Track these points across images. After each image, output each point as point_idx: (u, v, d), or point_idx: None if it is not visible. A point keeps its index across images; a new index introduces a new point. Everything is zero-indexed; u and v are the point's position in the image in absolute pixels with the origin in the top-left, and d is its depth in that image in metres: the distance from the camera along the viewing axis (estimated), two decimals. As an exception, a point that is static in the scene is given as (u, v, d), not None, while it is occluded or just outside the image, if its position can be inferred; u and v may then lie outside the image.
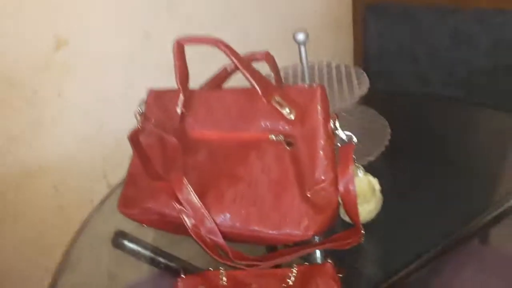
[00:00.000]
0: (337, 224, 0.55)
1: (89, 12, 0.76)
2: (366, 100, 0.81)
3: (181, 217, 0.54)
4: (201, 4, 0.89)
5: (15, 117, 0.74)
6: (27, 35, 0.72)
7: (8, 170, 0.77)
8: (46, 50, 0.74)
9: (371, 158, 0.67)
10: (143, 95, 0.66)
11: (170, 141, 0.58)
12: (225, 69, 0.68)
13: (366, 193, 0.55)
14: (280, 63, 0.69)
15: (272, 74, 0.68)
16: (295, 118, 0.54)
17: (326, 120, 0.53)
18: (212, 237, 0.53)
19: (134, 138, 0.61)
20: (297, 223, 0.51)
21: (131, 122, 0.63)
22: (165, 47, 0.76)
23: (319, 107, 0.53)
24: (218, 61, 0.66)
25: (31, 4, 0.71)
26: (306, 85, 0.56)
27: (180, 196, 0.53)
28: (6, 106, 0.73)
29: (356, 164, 0.54)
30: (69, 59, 0.76)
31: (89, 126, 0.82)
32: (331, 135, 0.53)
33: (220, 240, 0.52)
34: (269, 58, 0.65)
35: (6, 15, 0.69)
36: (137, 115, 0.63)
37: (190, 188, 0.53)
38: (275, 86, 0.57)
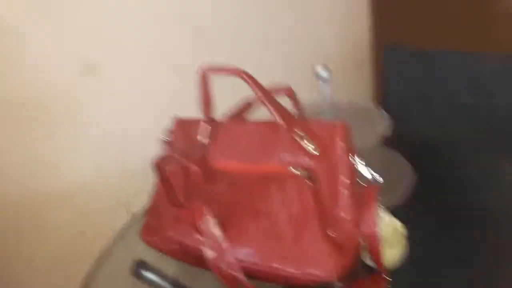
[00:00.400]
0: (360, 269, 0.53)
1: (118, 39, 0.79)
2: (388, 143, 0.81)
3: (201, 248, 0.54)
4: (226, 38, 0.92)
5: (42, 141, 0.76)
6: (57, 57, 0.74)
7: (33, 194, 0.78)
8: (73, 74, 0.76)
9: (395, 201, 0.65)
10: (167, 122, 0.67)
11: (193, 170, 0.59)
12: (248, 100, 0.69)
13: (391, 237, 0.54)
14: (300, 95, 0.70)
15: (294, 110, 0.69)
16: (317, 153, 0.54)
17: (348, 156, 0.53)
18: (232, 272, 0.52)
19: (159, 165, 0.62)
20: (318, 262, 0.49)
21: (154, 149, 0.64)
22: (190, 76, 0.79)
23: (341, 143, 0.53)
24: (243, 93, 0.68)
25: (69, 28, 0.74)
26: (328, 121, 0.57)
27: (200, 226, 0.53)
28: (35, 130, 0.75)
29: (380, 206, 0.53)
30: (99, 85, 0.78)
31: (114, 152, 0.84)
32: (353, 172, 0.53)
33: (240, 275, 0.51)
34: (291, 93, 0.66)
35: (44, 38, 0.72)
36: (162, 143, 0.64)
37: (210, 218, 0.53)
38: (297, 120, 0.58)
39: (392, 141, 0.78)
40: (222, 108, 0.67)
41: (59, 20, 0.73)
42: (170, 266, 0.64)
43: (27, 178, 0.77)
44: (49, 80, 0.75)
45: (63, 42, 0.74)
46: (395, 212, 0.57)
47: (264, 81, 0.60)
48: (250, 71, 0.57)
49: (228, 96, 0.67)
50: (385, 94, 1.08)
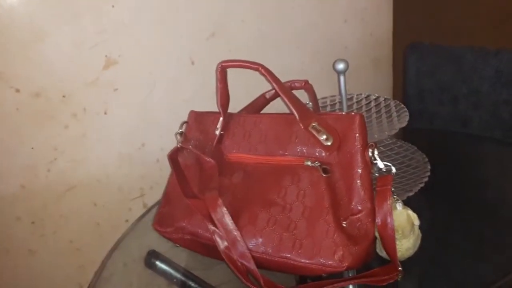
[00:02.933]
0: (373, 260, 0.53)
1: (139, 36, 0.81)
2: (406, 137, 0.81)
3: (214, 238, 0.54)
4: (244, 34, 0.92)
5: (62, 131, 0.78)
6: (82, 53, 0.77)
7: (51, 183, 0.80)
8: (97, 69, 0.78)
9: (410, 193, 0.65)
10: (185, 117, 0.68)
11: (207, 162, 0.59)
12: (263, 96, 0.70)
13: (405, 228, 0.53)
14: (318, 95, 0.70)
15: (310, 103, 0.69)
16: (332, 145, 0.53)
17: (364, 149, 0.52)
18: (243, 261, 0.52)
19: (173, 157, 0.62)
20: (331, 253, 0.49)
21: (171, 143, 0.64)
22: (207, 73, 0.80)
23: (357, 135, 0.52)
24: (259, 89, 0.68)
25: (87, 24, 0.76)
26: (344, 113, 0.56)
27: (214, 216, 0.53)
28: (55, 120, 0.77)
29: (394, 196, 0.53)
30: (117, 78, 0.80)
31: (131, 145, 0.85)
32: (369, 164, 0.52)
33: (252, 266, 0.51)
34: (308, 87, 0.66)
35: (64, 33, 0.74)
36: (178, 136, 0.65)
37: (224, 209, 0.53)
38: (313, 113, 0.58)
39: (410, 136, 0.77)
40: (238, 102, 0.67)
41: (81, 17, 0.75)
42: (182, 257, 0.65)
43: (46, 167, 0.79)
44: (71, 74, 0.77)
45: (86, 38, 0.77)
46: (409, 202, 0.56)
47: (283, 75, 0.60)
48: (269, 67, 0.57)
49: (244, 91, 0.67)
50: (404, 89, 1.07)
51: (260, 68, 0.56)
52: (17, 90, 0.73)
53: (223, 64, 0.60)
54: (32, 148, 0.77)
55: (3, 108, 0.74)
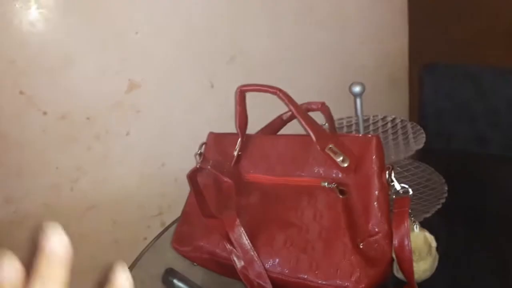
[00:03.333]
0: (390, 282, 0.53)
1: (161, 60, 0.84)
2: (423, 158, 0.80)
3: (231, 257, 0.54)
4: (262, 57, 0.94)
5: (85, 152, 0.81)
6: (106, 77, 0.80)
7: (73, 202, 0.82)
8: (120, 92, 0.81)
9: (427, 214, 0.65)
10: (204, 138, 0.69)
11: (225, 182, 0.60)
12: (280, 118, 0.71)
13: (422, 250, 0.53)
14: (335, 116, 0.71)
15: (327, 124, 0.70)
16: (349, 167, 0.54)
17: (381, 170, 0.53)
18: (260, 281, 0.53)
19: (192, 177, 0.64)
20: (348, 274, 0.49)
21: (191, 163, 0.66)
22: (226, 95, 0.82)
23: (374, 157, 0.53)
24: (276, 110, 0.70)
25: (113, 50, 0.79)
26: (361, 135, 0.57)
27: (231, 236, 0.54)
28: (79, 142, 0.80)
29: (411, 218, 0.53)
30: (139, 101, 0.83)
31: (151, 165, 0.87)
32: (386, 186, 0.53)
33: (268, 286, 0.52)
34: (324, 109, 0.67)
35: (90, 59, 0.78)
36: (197, 156, 0.66)
37: (241, 229, 0.54)
38: (329, 134, 0.59)
39: (427, 157, 0.77)
40: (256, 124, 0.69)
41: (107, 43, 0.79)
42: (199, 275, 0.65)
43: (69, 186, 0.81)
44: (95, 97, 0.80)
45: (111, 63, 0.80)
46: (426, 224, 0.56)
47: (300, 97, 0.61)
48: (286, 89, 0.59)
49: (262, 112, 0.69)
50: (421, 110, 1.07)
51: (278, 92, 0.58)
52: (45, 113, 0.77)
53: (242, 88, 0.62)
54: (57, 168, 0.80)
55: (30, 129, 0.77)
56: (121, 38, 0.80)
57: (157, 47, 0.83)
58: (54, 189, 0.81)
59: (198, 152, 0.67)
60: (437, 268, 0.54)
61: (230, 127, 0.66)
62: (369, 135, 0.55)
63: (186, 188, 0.66)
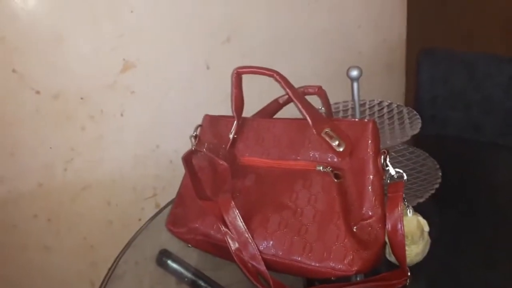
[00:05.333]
0: (382, 264, 0.54)
1: (156, 40, 0.83)
2: (418, 143, 0.81)
3: (226, 239, 0.55)
4: (258, 39, 0.93)
5: (79, 132, 0.80)
6: (100, 56, 0.79)
7: (68, 182, 0.82)
8: (115, 72, 0.80)
9: (421, 199, 0.65)
10: (199, 120, 0.69)
11: (221, 165, 0.60)
12: (276, 101, 0.70)
13: (415, 234, 0.53)
14: (331, 100, 0.71)
15: (323, 108, 0.70)
16: (344, 151, 0.54)
17: (376, 155, 0.53)
18: (254, 263, 0.53)
19: (187, 159, 0.64)
20: (341, 257, 0.50)
21: (185, 145, 0.66)
22: (222, 77, 0.81)
23: (369, 141, 0.53)
24: (272, 94, 0.69)
25: (106, 28, 0.78)
26: (357, 119, 0.57)
27: (226, 218, 0.54)
28: (73, 122, 0.79)
29: (405, 203, 0.53)
30: (134, 82, 0.82)
31: (146, 146, 0.87)
32: (381, 170, 0.53)
33: (262, 267, 0.52)
34: (321, 92, 0.66)
35: (83, 36, 0.77)
36: (192, 138, 0.66)
37: (236, 211, 0.54)
38: (326, 118, 0.58)
39: (422, 142, 0.77)
40: (252, 107, 0.68)
41: (101, 21, 0.77)
42: (193, 256, 0.66)
43: (63, 166, 0.81)
44: (89, 76, 0.79)
45: (105, 41, 0.79)
46: (420, 209, 0.56)
47: (296, 80, 0.61)
48: (282, 71, 0.58)
49: (258, 95, 0.68)
50: (417, 95, 1.07)
51: (274, 75, 0.57)
52: (37, 92, 0.76)
53: (239, 70, 0.61)
54: (51, 148, 0.79)
55: (23, 109, 0.76)
56: (116, 15, 0.78)
57: (152, 26, 0.82)
58: (48, 169, 0.80)
59: (194, 134, 0.67)
60: (428, 252, 0.55)
61: (226, 109, 0.66)
62: (366, 120, 0.55)
63: (180, 170, 0.66)
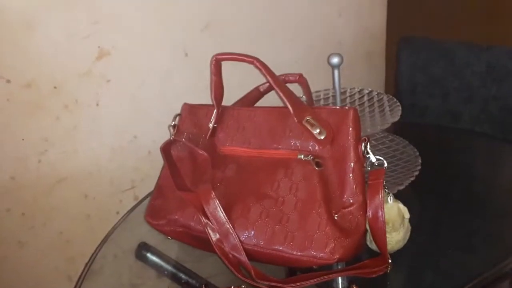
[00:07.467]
0: (363, 252, 0.54)
1: (132, 27, 0.80)
2: (397, 131, 0.81)
3: (206, 230, 0.54)
4: (238, 26, 0.92)
5: (53, 123, 0.77)
6: (74, 44, 0.76)
7: (42, 175, 0.79)
8: (89, 60, 0.77)
9: (401, 187, 0.66)
10: (178, 109, 0.67)
11: (200, 155, 0.59)
12: (257, 89, 0.70)
13: (395, 221, 0.54)
14: (312, 88, 0.70)
15: (304, 96, 0.69)
16: (325, 139, 0.54)
17: (357, 142, 0.53)
18: (235, 254, 0.52)
19: (166, 150, 0.62)
20: (322, 246, 0.50)
21: (164, 136, 0.64)
22: (201, 65, 0.79)
23: (350, 129, 0.53)
24: (253, 82, 0.68)
25: (80, 14, 0.75)
26: (338, 107, 0.56)
27: (206, 209, 0.53)
28: (46, 112, 0.76)
29: (385, 190, 0.54)
30: (110, 70, 0.79)
31: (123, 137, 0.84)
32: (362, 158, 0.53)
33: (243, 257, 0.52)
34: (302, 80, 0.66)
35: (56, 22, 0.73)
36: (171, 128, 0.64)
37: (217, 201, 0.53)
38: (307, 106, 0.58)
39: (402, 130, 0.78)
40: (232, 95, 0.67)
41: (74, 6, 0.74)
42: (173, 249, 0.65)
43: (36, 159, 0.78)
44: (63, 64, 0.76)
45: (79, 28, 0.76)
46: (400, 196, 0.57)
47: (277, 68, 0.60)
48: (263, 59, 0.57)
49: (238, 83, 0.67)
50: (397, 84, 1.08)
51: (255, 62, 0.57)
52: (8, 81, 0.72)
53: (218, 56, 0.60)
54: (23, 139, 0.76)
55: (-7, 98, 0.73)
56: (90, 1, 0.75)
57: (128, 13, 0.79)
58: (20, 161, 0.77)
59: (172, 124, 0.65)
60: (409, 239, 0.55)
61: (206, 98, 0.64)
62: (346, 108, 0.54)
63: (159, 161, 0.65)
